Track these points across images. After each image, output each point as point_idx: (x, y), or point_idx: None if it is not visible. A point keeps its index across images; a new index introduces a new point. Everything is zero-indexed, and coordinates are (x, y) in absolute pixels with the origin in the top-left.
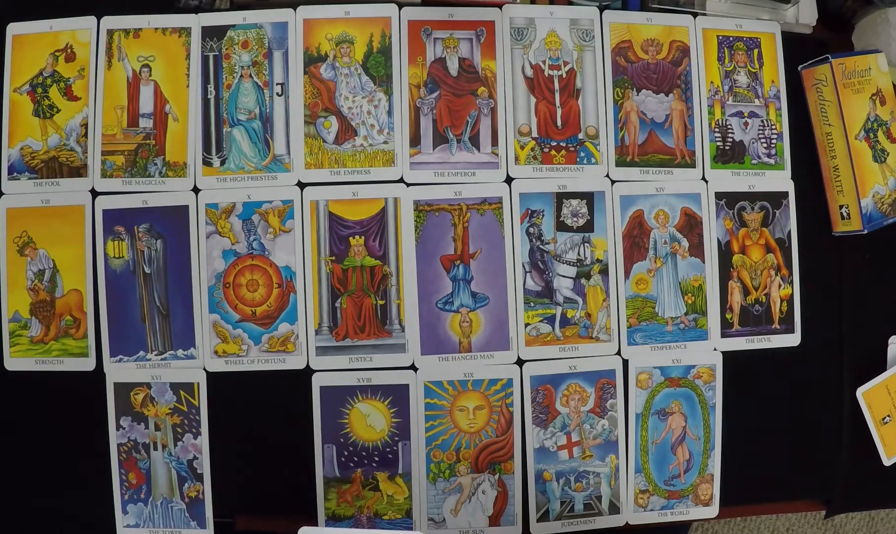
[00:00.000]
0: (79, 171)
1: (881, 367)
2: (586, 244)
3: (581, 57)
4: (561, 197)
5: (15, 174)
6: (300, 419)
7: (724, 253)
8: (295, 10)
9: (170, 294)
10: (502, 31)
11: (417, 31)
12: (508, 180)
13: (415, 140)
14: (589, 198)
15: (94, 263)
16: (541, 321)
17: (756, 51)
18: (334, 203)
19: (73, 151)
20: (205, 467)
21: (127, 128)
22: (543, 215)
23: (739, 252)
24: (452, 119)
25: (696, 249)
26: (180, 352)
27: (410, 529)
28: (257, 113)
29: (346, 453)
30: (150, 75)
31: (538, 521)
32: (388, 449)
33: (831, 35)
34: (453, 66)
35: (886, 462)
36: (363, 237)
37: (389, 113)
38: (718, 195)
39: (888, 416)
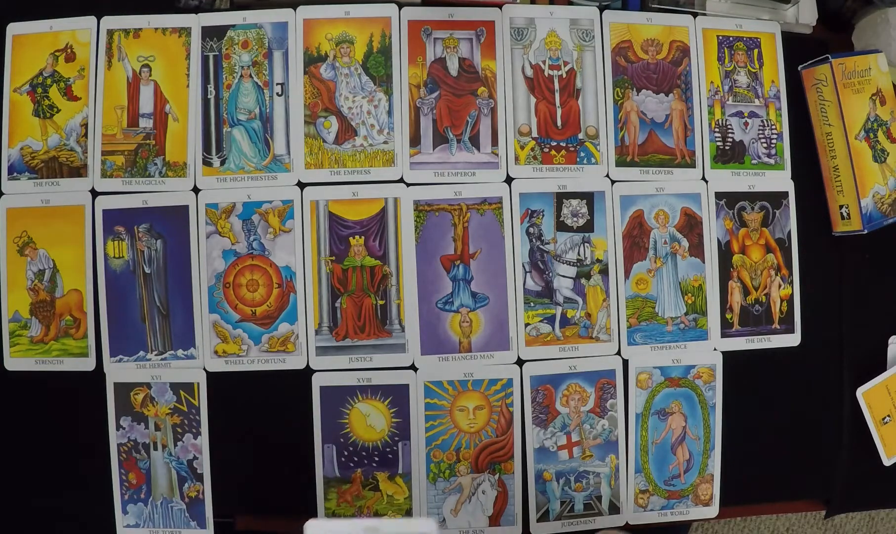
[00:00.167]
0: (79, 171)
1: (881, 367)
2: (586, 244)
3: (581, 57)
4: (561, 197)
5: (15, 174)
6: (300, 419)
7: (724, 253)
8: (295, 10)
9: (170, 294)
10: (502, 31)
11: (417, 31)
12: (508, 180)
13: (415, 140)
14: (589, 198)
15: (94, 263)
16: (541, 321)
17: (756, 51)
18: (334, 203)
19: (73, 151)
20: (205, 467)
21: (127, 128)
22: (543, 215)
23: (739, 252)
24: (452, 119)
25: (696, 249)
26: (180, 352)
27: None
28: (257, 113)
29: (346, 453)
30: (150, 75)
31: (538, 521)
32: (388, 449)
33: (831, 35)
34: (453, 66)
35: (886, 462)
36: (363, 237)
37: (389, 113)
38: (718, 195)
39: (888, 416)
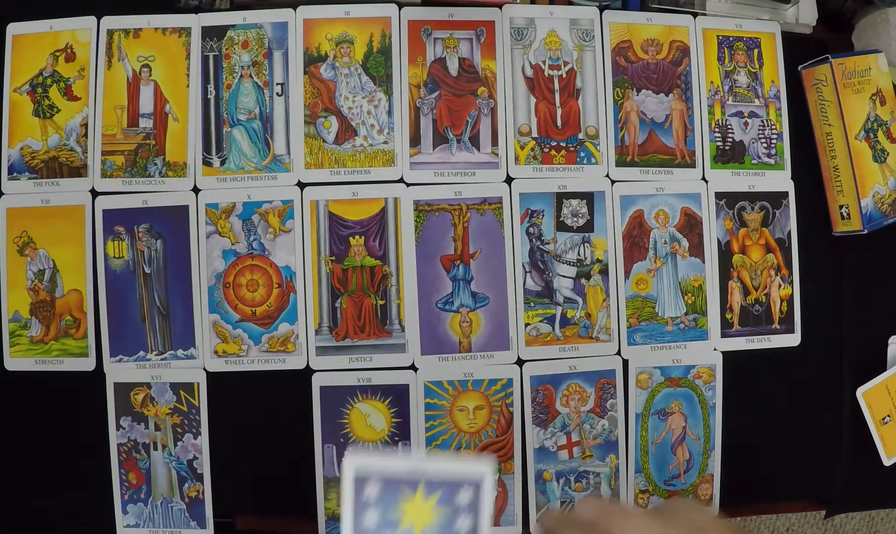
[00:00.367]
0: (79, 171)
1: (881, 367)
2: (586, 244)
3: (581, 57)
4: (561, 197)
5: (15, 174)
6: (300, 419)
7: (724, 253)
8: (295, 10)
9: (170, 294)
10: (502, 31)
11: (417, 31)
12: (508, 180)
13: (415, 140)
14: (589, 198)
15: (94, 263)
16: (541, 321)
17: (756, 51)
18: (334, 203)
19: (73, 151)
20: (205, 467)
21: (127, 128)
22: (543, 215)
23: (739, 252)
24: (452, 119)
25: (696, 249)
26: (180, 352)
27: None
28: (257, 113)
29: (346, 453)
30: (150, 75)
31: (538, 521)
32: (388, 449)
33: (831, 35)
34: (453, 66)
35: (886, 462)
36: (363, 237)
37: (389, 113)
38: (718, 195)
39: (888, 416)
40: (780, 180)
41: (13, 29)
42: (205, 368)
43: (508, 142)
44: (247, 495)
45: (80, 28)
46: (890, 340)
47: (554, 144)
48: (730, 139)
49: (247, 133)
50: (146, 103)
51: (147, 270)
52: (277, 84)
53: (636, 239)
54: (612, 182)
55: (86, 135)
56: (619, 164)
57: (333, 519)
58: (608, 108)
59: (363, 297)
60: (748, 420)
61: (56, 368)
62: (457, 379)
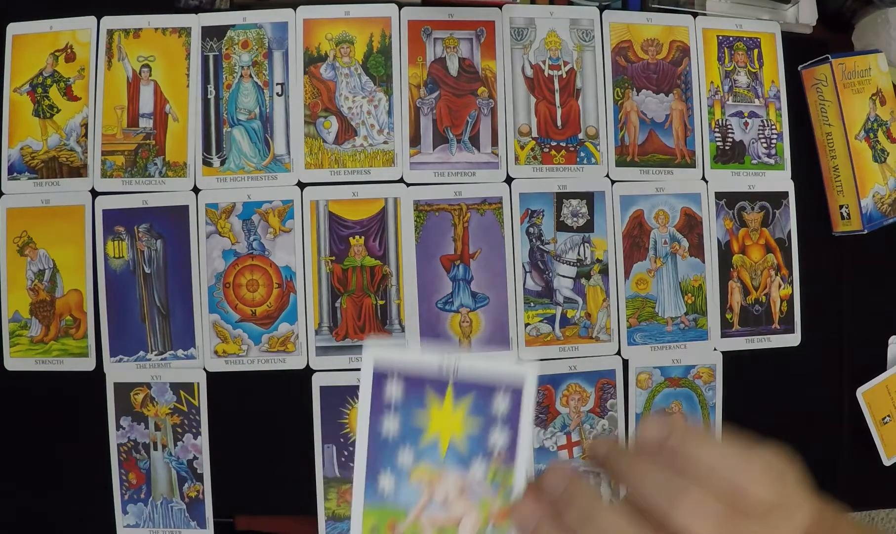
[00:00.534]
0: (79, 171)
1: (881, 367)
2: (586, 244)
3: (581, 57)
4: (561, 197)
5: (15, 174)
6: (300, 419)
7: (724, 253)
8: (295, 10)
9: (170, 294)
10: (502, 31)
11: (417, 31)
12: (508, 180)
13: (415, 140)
14: (589, 198)
15: (94, 263)
16: (541, 321)
17: (756, 51)
18: (334, 203)
19: (73, 151)
20: (205, 467)
21: (127, 128)
22: (543, 215)
23: (739, 252)
24: (452, 119)
25: (696, 249)
26: (180, 352)
27: None
28: (257, 113)
29: (346, 453)
30: (150, 75)
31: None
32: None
33: (831, 35)
34: (453, 66)
35: (886, 462)
36: (363, 237)
37: (389, 113)
38: (718, 195)
39: (888, 416)
40: (780, 180)
41: (13, 29)
42: (205, 369)
43: (508, 142)
44: (247, 495)
45: (80, 28)
46: (890, 340)
47: (554, 144)
48: (730, 139)
49: (247, 133)
50: (146, 103)
51: (147, 270)
52: (277, 84)
53: (636, 239)
54: (612, 182)
55: (86, 135)
56: (619, 164)
57: (333, 519)
58: (608, 108)
59: (363, 297)
60: (748, 420)
61: (56, 368)
62: None
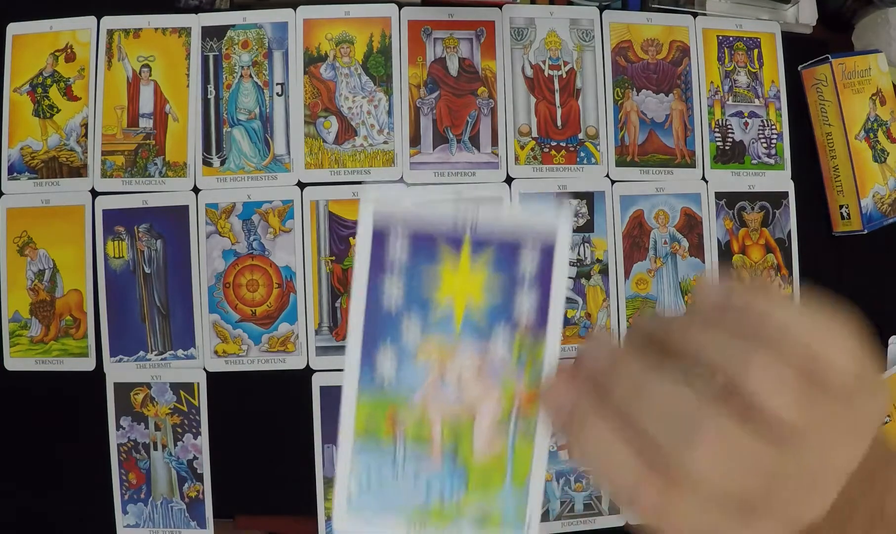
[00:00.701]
0: (79, 171)
1: (881, 367)
2: (586, 244)
3: (581, 57)
4: (561, 197)
5: (15, 174)
6: (300, 419)
7: (724, 253)
8: (295, 10)
9: (170, 294)
10: (502, 31)
11: (417, 31)
12: (508, 180)
13: (415, 140)
14: (589, 198)
15: (94, 263)
16: None
17: (756, 51)
18: (334, 203)
19: (73, 151)
20: (205, 467)
21: (127, 128)
22: None
23: (739, 252)
24: (452, 119)
25: (696, 250)
26: (180, 352)
27: None
28: (257, 113)
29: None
30: (150, 75)
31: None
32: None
33: (831, 35)
34: (453, 66)
35: None
36: None
37: (389, 113)
38: (718, 195)
39: (888, 416)
40: (780, 180)
41: (13, 29)
42: (205, 369)
43: (508, 142)
44: (247, 495)
45: (80, 28)
46: (890, 340)
47: (554, 144)
48: (730, 139)
49: (247, 133)
50: (146, 103)
51: (147, 270)
52: (277, 84)
53: (636, 239)
54: (612, 182)
55: (86, 135)
56: (619, 164)
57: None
58: (608, 108)
59: None
60: None
61: (56, 369)
62: None
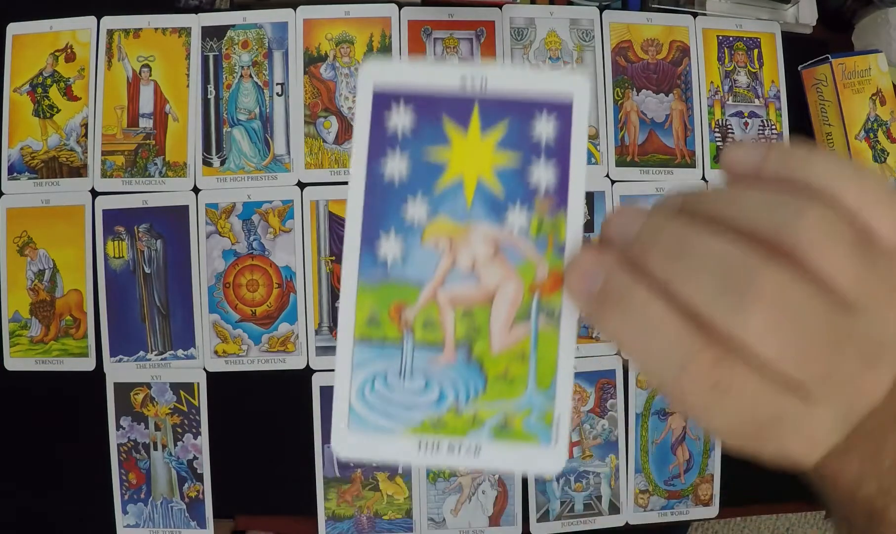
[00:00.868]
0: (79, 171)
1: None
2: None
3: (581, 57)
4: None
5: (15, 174)
6: (300, 419)
7: None
8: (295, 10)
9: (170, 294)
10: (502, 32)
11: (417, 31)
12: None
13: None
14: (589, 198)
15: (94, 263)
16: None
17: (756, 51)
18: (334, 203)
19: (73, 151)
20: (205, 467)
21: (127, 128)
22: None
23: None
24: None
25: None
26: (180, 352)
27: (410, 529)
28: (257, 113)
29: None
30: (150, 75)
31: (538, 521)
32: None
33: (831, 35)
34: None
35: None
36: None
37: None
38: None
39: None
40: None
41: (13, 29)
42: (205, 369)
43: None
44: (247, 495)
45: (80, 28)
46: None
47: None
48: (730, 139)
49: (247, 133)
50: (146, 103)
51: (147, 270)
52: (277, 84)
53: None
54: (612, 182)
55: (86, 135)
56: (619, 164)
57: (333, 519)
58: (608, 108)
59: None
60: None
61: (56, 368)
62: None
